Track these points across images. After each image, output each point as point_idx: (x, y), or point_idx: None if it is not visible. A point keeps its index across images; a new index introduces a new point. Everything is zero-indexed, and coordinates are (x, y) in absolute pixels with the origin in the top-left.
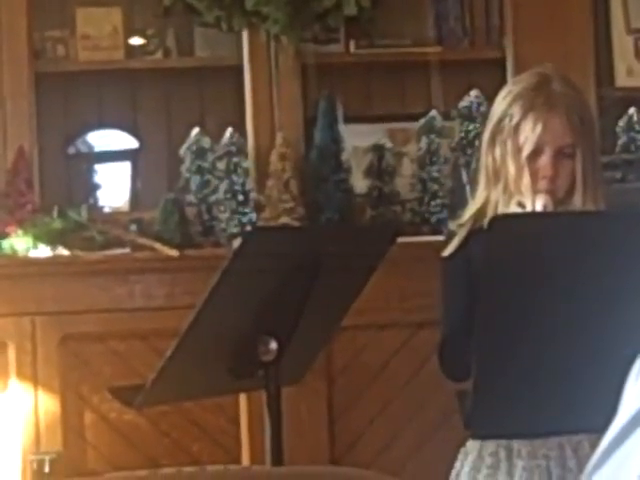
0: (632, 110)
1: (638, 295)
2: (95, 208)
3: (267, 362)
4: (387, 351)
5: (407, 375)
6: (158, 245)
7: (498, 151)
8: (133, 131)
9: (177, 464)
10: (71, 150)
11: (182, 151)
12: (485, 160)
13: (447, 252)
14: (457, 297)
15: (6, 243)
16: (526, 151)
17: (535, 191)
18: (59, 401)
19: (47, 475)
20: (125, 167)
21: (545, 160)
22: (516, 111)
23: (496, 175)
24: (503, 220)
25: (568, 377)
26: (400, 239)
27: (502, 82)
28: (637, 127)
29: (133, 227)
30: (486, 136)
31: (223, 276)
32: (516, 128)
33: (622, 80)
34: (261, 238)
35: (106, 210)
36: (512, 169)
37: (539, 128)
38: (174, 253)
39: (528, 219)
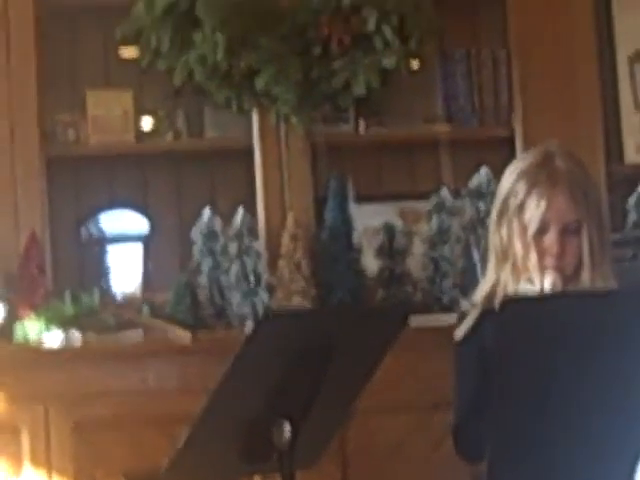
0: None
1: None
2: (107, 291)
3: (281, 446)
4: (401, 433)
5: (421, 458)
6: (171, 328)
7: (505, 230)
8: (145, 213)
9: None
10: (83, 233)
11: (193, 233)
12: (493, 239)
13: (459, 335)
14: (470, 381)
15: (19, 328)
16: (531, 229)
17: (543, 269)
18: None
19: None
20: (137, 249)
21: (551, 238)
22: (520, 189)
23: (504, 254)
24: (514, 303)
25: (580, 466)
26: (413, 318)
27: (511, 160)
28: None
29: (146, 309)
30: (493, 215)
31: (236, 361)
32: (521, 206)
33: (631, 156)
34: (274, 323)
35: (118, 293)
36: (519, 248)
37: (543, 205)
38: (187, 336)
39: (539, 301)
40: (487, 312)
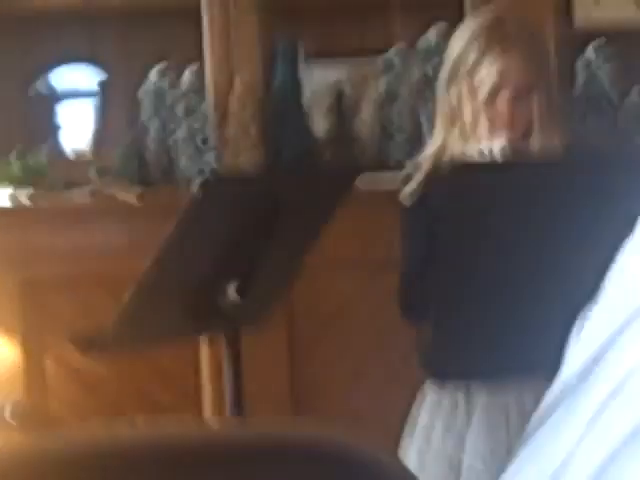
0: (591, 47)
1: (592, 239)
2: (57, 150)
3: (226, 307)
4: (347, 293)
5: (367, 316)
6: (118, 189)
7: (454, 93)
8: (94, 69)
9: (139, 411)
10: (31, 90)
11: (141, 93)
12: (442, 102)
13: (405, 198)
14: (415, 245)
15: None
16: (482, 94)
17: (492, 133)
18: (20, 348)
19: (8, 422)
20: (86, 106)
21: (502, 102)
22: (472, 52)
23: (453, 118)
24: (462, 169)
25: (518, 322)
26: (360, 177)
27: (461, 20)
28: (596, 64)
29: (93, 169)
30: (442, 78)
31: (181, 222)
32: (472, 70)
33: (581, 16)
34: (219, 186)
35: (67, 151)
36: (468, 112)
37: (495, 69)
38: (134, 198)
39: (486, 169)
40: (435, 176)
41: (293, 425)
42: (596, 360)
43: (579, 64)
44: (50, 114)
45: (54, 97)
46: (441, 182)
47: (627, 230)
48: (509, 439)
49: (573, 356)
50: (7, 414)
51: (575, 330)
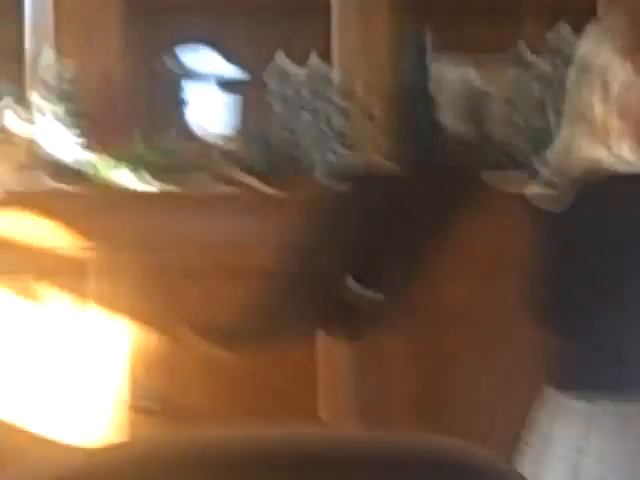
0: None
1: None
2: (183, 130)
3: (354, 305)
4: (471, 294)
5: (487, 322)
6: (253, 181)
7: (585, 92)
8: (222, 53)
9: (265, 400)
10: (159, 68)
11: (266, 76)
12: (571, 100)
13: (537, 199)
14: (545, 249)
15: (92, 166)
16: (614, 94)
17: (623, 135)
18: (146, 333)
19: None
20: (212, 89)
21: (634, 103)
22: (604, 52)
23: (582, 117)
24: (615, 181)
25: None
26: (486, 175)
27: (591, 17)
28: None
29: (217, 154)
30: (573, 76)
31: (320, 217)
32: (603, 69)
33: None
34: (367, 185)
35: (194, 133)
36: (599, 111)
37: (627, 68)
38: (267, 189)
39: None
40: (586, 186)
41: (420, 436)
42: None
43: None
44: (177, 93)
45: (182, 75)
46: (594, 192)
47: None
48: (629, 450)
49: None
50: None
51: None
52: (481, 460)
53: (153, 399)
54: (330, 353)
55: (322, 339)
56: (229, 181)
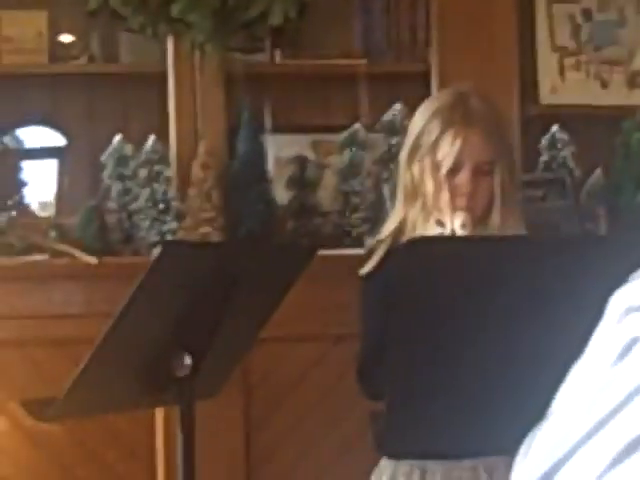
0: (555, 128)
1: (558, 324)
2: (20, 207)
3: (181, 377)
4: (305, 364)
5: (324, 388)
6: (77, 252)
7: (416, 168)
8: (58, 130)
9: (91, 472)
10: None
11: (104, 158)
12: (403, 177)
13: (365, 271)
14: (375, 317)
15: None
16: (445, 167)
17: (454, 208)
18: None
19: None
20: (51, 165)
21: (464, 177)
22: (435, 127)
23: (414, 192)
24: (420, 243)
25: (482, 400)
26: (321, 252)
27: (426, 95)
28: (559, 145)
29: (53, 233)
30: (404, 153)
31: (139, 289)
32: (434, 145)
33: (546, 97)
34: (176, 252)
35: (31, 209)
36: (430, 186)
37: (458, 144)
38: (93, 261)
39: (445, 243)
40: (393, 250)
41: None
42: None
43: (543, 144)
44: (16, 171)
45: (16, 156)
46: (397, 254)
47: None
48: None
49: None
50: None
51: (523, 449)
52: None
53: None
54: (167, 427)
55: (160, 414)
56: (62, 256)
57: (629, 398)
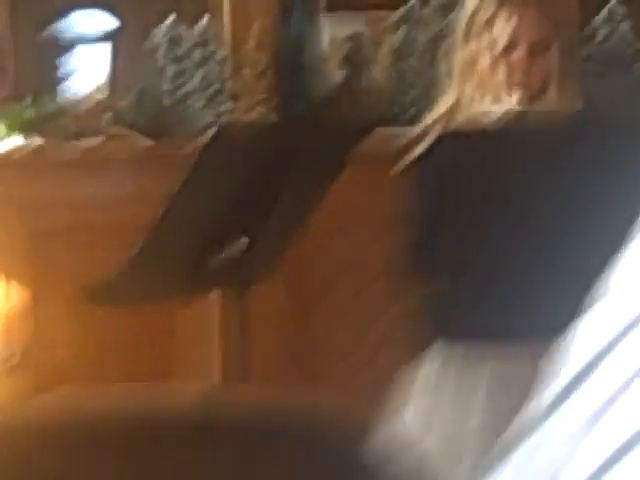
0: (613, 2)
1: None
2: (71, 94)
3: (237, 258)
4: (350, 251)
5: (372, 274)
6: (132, 134)
7: (473, 45)
8: (111, 11)
9: (141, 365)
10: (47, 34)
11: (157, 38)
12: (459, 54)
13: (418, 152)
14: (426, 200)
15: None
16: (501, 44)
17: (510, 85)
18: (30, 293)
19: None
20: (103, 50)
21: (520, 54)
22: (490, 3)
23: (470, 69)
24: (469, 134)
25: (529, 285)
26: (376, 131)
27: None
28: (618, 18)
29: (108, 115)
30: (460, 29)
31: (194, 170)
32: (490, 21)
33: None
34: (230, 135)
35: (82, 97)
36: (486, 63)
37: (514, 20)
38: (148, 143)
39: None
40: (447, 134)
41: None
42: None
43: (599, 19)
44: (64, 59)
45: (68, 42)
46: (451, 141)
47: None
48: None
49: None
50: (16, 360)
51: (567, 338)
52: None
53: (14, 353)
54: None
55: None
56: (117, 139)
57: None
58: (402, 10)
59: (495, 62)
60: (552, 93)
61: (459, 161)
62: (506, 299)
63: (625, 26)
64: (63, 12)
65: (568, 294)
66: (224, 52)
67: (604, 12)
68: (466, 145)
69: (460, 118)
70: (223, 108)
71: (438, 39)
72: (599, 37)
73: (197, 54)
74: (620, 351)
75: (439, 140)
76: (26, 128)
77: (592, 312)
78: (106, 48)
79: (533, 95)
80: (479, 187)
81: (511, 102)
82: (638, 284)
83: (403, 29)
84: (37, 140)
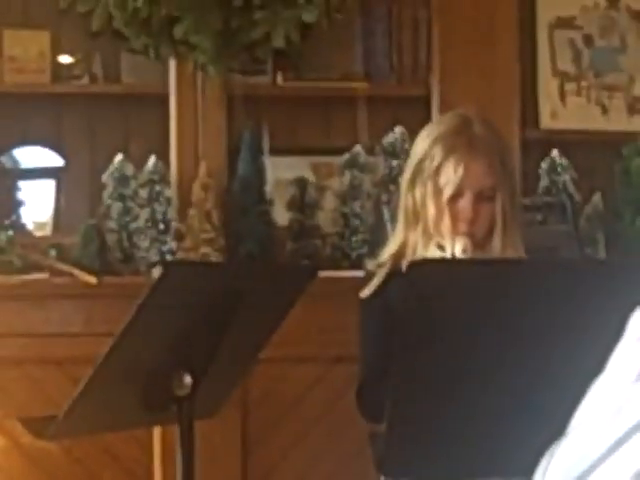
0: (555, 152)
1: (563, 347)
2: (17, 229)
3: (181, 396)
4: (303, 384)
5: (322, 409)
6: (77, 271)
7: (418, 192)
8: (58, 152)
9: None
10: None
11: (105, 177)
12: (405, 200)
13: (365, 294)
14: (375, 341)
15: None
16: (447, 193)
17: (455, 233)
18: None
19: None
20: (48, 186)
21: (465, 203)
22: (437, 153)
23: (416, 216)
24: (421, 265)
25: (486, 422)
26: (321, 273)
27: (427, 119)
28: (559, 169)
29: (53, 252)
30: (406, 176)
31: (140, 309)
32: (437, 170)
33: (546, 122)
34: (179, 272)
35: (28, 229)
36: (432, 211)
37: (460, 171)
38: (92, 280)
39: (446, 265)
40: (394, 273)
41: None
42: None
43: (543, 168)
44: (12, 191)
45: (17, 173)
46: (399, 277)
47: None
48: None
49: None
50: None
51: (541, 466)
52: None
53: None
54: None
55: (157, 433)
56: (61, 275)
57: None
58: (347, 155)
59: (441, 210)
60: (496, 242)
61: (406, 303)
62: (452, 442)
63: (566, 177)
64: (10, 147)
65: (522, 436)
66: (170, 192)
67: (547, 162)
68: (415, 274)
69: (405, 263)
70: (168, 247)
71: (383, 184)
72: (541, 187)
73: (143, 193)
74: None
75: (385, 282)
76: None
77: (555, 453)
78: (51, 185)
79: (477, 243)
80: (424, 320)
81: (456, 250)
82: (599, 425)
83: (348, 173)
84: None
